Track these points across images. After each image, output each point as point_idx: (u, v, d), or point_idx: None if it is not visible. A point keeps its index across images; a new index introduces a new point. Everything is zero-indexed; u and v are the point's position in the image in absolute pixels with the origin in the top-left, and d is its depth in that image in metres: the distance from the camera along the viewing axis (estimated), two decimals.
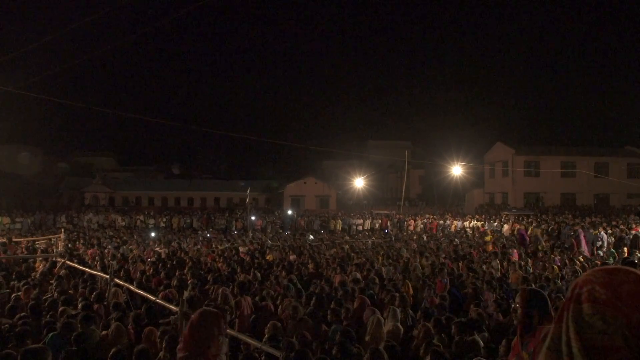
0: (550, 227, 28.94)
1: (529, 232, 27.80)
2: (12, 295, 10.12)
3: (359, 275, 13.45)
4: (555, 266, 16.91)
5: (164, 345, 6.67)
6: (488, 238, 27.29)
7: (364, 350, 6.63)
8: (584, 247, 22.51)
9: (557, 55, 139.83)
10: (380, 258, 18.45)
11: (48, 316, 8.50)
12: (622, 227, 26.53)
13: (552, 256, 19.79)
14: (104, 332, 7.99)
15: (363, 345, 7.36)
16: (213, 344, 3.37)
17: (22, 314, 8.36)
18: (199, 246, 23.77)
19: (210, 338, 3.37)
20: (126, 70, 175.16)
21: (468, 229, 35.81)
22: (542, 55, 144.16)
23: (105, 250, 20.12)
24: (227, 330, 6.92)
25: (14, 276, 12.90)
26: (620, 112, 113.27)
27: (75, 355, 6.37)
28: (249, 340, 6.71)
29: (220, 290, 10.89)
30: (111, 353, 6.25)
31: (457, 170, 47.42)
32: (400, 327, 8.73)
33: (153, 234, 32.41)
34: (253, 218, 40.93)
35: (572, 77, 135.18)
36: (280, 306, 10.15)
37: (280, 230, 38.21)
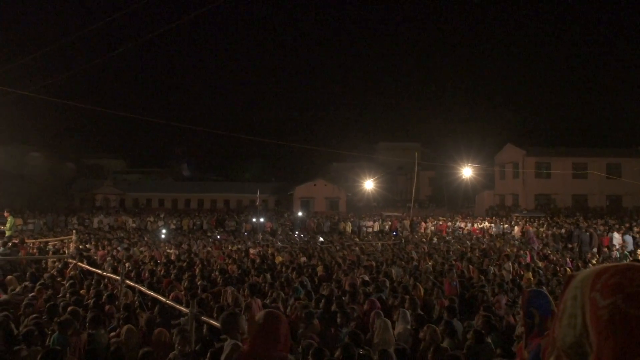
0: (563, 229, 28.81)
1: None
2: (30, 295, 10.16)
3: (367, 278, 13.44)
4: (568, 268, 16.83)
5: (177, 346, 6.69)
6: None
7: (373, 353, 6.63)
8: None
9: (568, 55, 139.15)
10: (390, 260, 18.42)
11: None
12: (635, 229, 26.35)
13: (566, 258, 19.73)
14: (112, 334, 8.02)
15: (373, 348, 7.35)
16: (280, 341, 3.69)
17: (34, 315, 8.41)
18: (209, 248, 23.84)
19: (277, 336, 3.69)
20: (137, 72, 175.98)
21: (478, 231, 35.73)
22: (553, 55, 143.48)
23: (114, 252, 20.23)
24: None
25: (27, 277, 12.99)
26: (632, 113, 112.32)
27: (84, 357, 6.40)
28: None
29: (229, 292, 10.91)
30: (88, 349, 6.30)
31: (467, 171, 47.20)
32: (411, 329, 8.71)
33: (163, 236, 32.54)
34: (262, 220, 41.00)
35: (583, 77, 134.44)
36: (290, 308, 10.15)
37: (290, 232, 38.23)
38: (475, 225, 37.93)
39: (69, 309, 8.80)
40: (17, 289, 11.02)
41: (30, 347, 6.61)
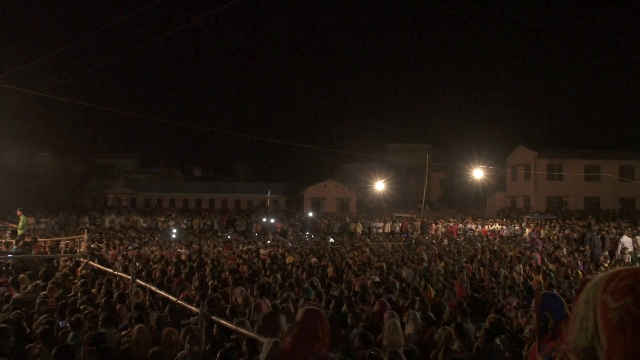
0: (575, 232, 28.56)
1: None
2: (42, 294, 10.23)
3: (378, 279, 13.41)
4: (580, 271, 16.69)
5: (186, 345, 6.71)
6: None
7: (383, 354, 6.61)
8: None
9: (580, 57, 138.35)
10: (400, 261, 18.37)
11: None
12: None
13: (578, 261, 19.56)
14: (123, 332, 8.06)
15: (382, 349, 7.34)
16: (317, 334, 3.78)
17: (45, 315, 8.46)
18: (219, 248, 23.87)
19: (316, 333, 3.79)
20: (148, 73, 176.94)
21: (489, 233, 35.56)
22: (565, 56, 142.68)
23: (124, 252, 20.31)
24: (247, 332, 6.95)
25: (39, 275, 13.07)
26: None
27: (94, 355, 6.44)
28: None
29: (238, 292, 10.92)
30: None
31: (478, 173, 46.99)
32: (419, 330, 8.69)
33: (174, 236, 32.64)
34: (273, 220, 41.01)
35: (595, 78, 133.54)
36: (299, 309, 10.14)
37: (300, 233, 38.19)
38: (486, 227, 37.73)
39: (82, 307, 8.88)
40: (29, 287, 11.11)
41: (47, 346, 6.67)
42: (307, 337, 3.74)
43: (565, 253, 22.68)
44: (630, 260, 21.41)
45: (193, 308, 8.26)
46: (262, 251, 21.67)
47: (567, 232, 29.18)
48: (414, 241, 30.43)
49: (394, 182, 62.77)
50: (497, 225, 37.53)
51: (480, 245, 25.91)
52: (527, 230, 32.35)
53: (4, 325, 6.73)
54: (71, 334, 7.18)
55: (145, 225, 41.17)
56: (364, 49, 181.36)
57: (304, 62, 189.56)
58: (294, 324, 3.85)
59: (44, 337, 6.83)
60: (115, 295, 10.13)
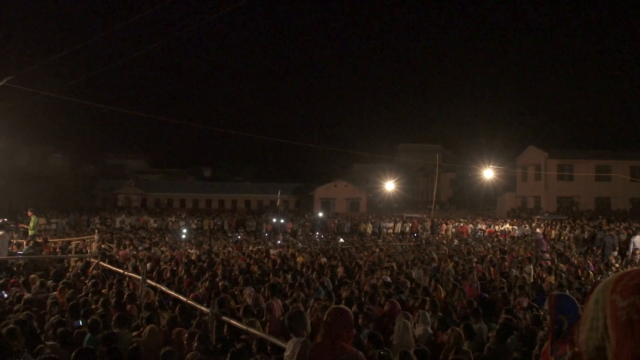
0: (586, 232, 28.39)
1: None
2: (52, 294, 10.30)
3: (389, 279, 13.39)
4: (591, 272, 16.59)
5: (195, 345, 6.72)
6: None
7: (393, 354, 6.61)
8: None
9: (591, 57, 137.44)
10: (410, 262, 18.33)
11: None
12: None
13: (589, 262, 19.45)
14: (134, 333, 8.09)
15: (392, 349, 7.33)
16: (345, 334, 3.92)
17: (56, 315, 8.51)
18: (229, 248, 23.90)
19: (342, 329, 3.91)
20: (158, 73, 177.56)
21: (499, 233, 35.43)
22: (576, 56, 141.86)
23: (134, 252, 20.36)
24: (258, 332, 6.95)
25: (50, 275, 13.15)
26: None
27: (106, 355, 6.47)
28: (279, 342, 6.71)
29: (247, 292, 10.95)
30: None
31: (488, 173, 46.84)
32: (431, 331, 8.67)
33: (184, 236, 32.71)
34: (283, 221, 41.02)
35: (606, 78, 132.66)
36: (310, 309, 10.14)
37: (311, 233, 38.18)
38: (496, 227, 37.58)
39: (93, 307, 8.92)
40: (37, 285, 11.18)
41: (65, 347, 6.72)
42: (332, 337, 3.82)
43: (574, 253, 22.57)
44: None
45: (203, 308, 8.28)
46: (272, 251, 21.68)
47: (577, 232, 29.00)
48: (424, 241, 30.36)
49: (404, 183, 62.68)
50: (508, 226, 37.40)
51: (490, 246, 25.82)
52: (538, 231, 32.21)
53: (12, 326, 6.77)
54: (88, 335, 7.21)
55: (155, 225, 41.29)
56: (374, 49, 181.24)
57: (315, 63, 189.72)
58: (322, 322, 3.94)
59: (61, 338, 6.89)
60: (125, 296, 10.18)
